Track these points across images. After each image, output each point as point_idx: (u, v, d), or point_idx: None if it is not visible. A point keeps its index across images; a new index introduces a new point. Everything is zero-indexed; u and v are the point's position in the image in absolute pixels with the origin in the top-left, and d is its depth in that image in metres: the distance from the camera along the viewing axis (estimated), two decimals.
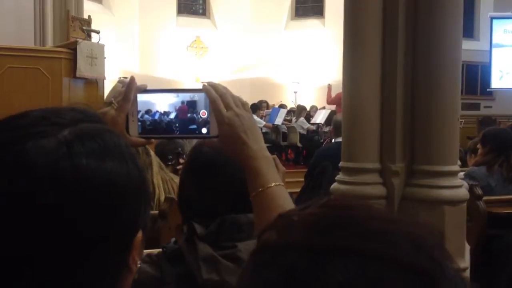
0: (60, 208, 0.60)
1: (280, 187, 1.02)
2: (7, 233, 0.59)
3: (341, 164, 2.52)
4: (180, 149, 3.80)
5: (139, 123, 1.05)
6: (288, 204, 0.99)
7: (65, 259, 0.61)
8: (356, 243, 0.45)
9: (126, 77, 1.25)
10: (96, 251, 0.63)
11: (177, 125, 1.06)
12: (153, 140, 1.11)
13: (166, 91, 1.08)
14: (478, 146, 4.03)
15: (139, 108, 1.05)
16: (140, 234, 0.70)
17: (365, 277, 0.43)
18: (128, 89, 1.04)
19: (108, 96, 1.10)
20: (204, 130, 1.06)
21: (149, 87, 1.08)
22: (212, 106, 1.03)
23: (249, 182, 1.03)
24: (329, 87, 12.80)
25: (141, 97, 1.06)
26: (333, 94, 12.12)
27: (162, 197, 2.86)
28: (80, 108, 0.72)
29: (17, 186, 0.59)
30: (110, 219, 0.64)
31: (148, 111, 1.06)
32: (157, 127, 1.06)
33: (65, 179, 0.60)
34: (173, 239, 1.51)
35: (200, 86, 1.06)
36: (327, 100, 12.96)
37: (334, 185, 2.53)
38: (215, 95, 1.03)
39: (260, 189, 1.00)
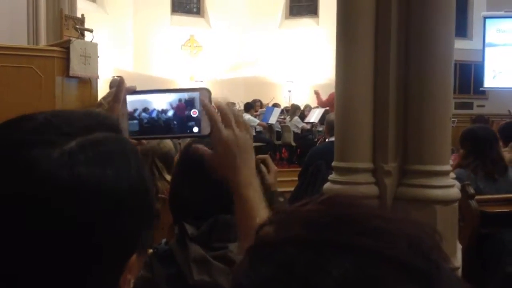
0: (54, 218, 0.58)
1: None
2: None
3: (333, 163, 2.52)
4: None
5: (136, 121, 1.05)
6: None
7: (52, 273, 0.59)
8: (354, 240, 0.45)
9: (120, 76, 1.25)
10: (86, 265, 0.60)
11: (175, 122, 1.06)
12: (144, 141, 1.11)
13: (156, 92, 1.08)
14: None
15: (136, 106, 1.05)
16: (134, 257, 0.66)
17: (361, 274, 0.43)
18: (118, 89, 1.03)
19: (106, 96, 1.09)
20: (195, 129, 1.05)
21: (143, 86, 1.08)
22: (210, 121, 1.02)
23: (237, 208, 1.04)
24: (317, 92, 12.46)
25: (138, 96, 1.06)
26: (323, 97, 11.89)
27: None
28: (95, 114, 0.69)
29: (15, 189, 0.58)
30: (105, 230, 0.61)
31: (145, 109, 1.05)
32: (155, 125, 1.06)
33: (62, 188, 0.58)
34: (163, 240, 1.51)
35: (193, 85, 1.05)
36: (318, 104, 12.79)
37: (327, 185, 2.53)
38: (213, 110, 1.02)
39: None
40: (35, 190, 0.58)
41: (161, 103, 1.05)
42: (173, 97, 1.06)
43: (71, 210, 0.59)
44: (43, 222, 0.58)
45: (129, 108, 1.05)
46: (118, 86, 1.04)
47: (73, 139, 0.62)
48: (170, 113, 1.05)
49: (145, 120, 1.05)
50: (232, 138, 1.01)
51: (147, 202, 0.68)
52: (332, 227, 0.47)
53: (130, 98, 1.05)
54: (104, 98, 1.24)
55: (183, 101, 1.05)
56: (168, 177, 3.21)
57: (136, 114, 1.05)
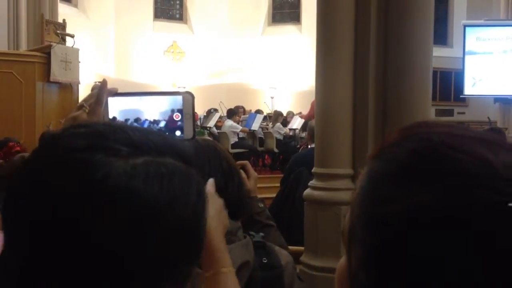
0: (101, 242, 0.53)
1: (232, 273, 1.06)
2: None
3: (314, 170, 2.53)
4: None
5: None
6: None
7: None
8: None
9: (103, 79, 1.24)
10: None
11: (166, 133, 1.04)
12: None
13: (138, 94, 1.08)
14: None
15: (128, 116, 1.04)
16: None
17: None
18: (101, 92, 1.03)
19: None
20: (177, 133, 1.05)
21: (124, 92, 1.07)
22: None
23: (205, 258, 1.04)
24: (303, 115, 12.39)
25: (129, 105, 1.05)
26: (306, 109, 11.80)
27: None
28: (172, 140, 0.65)
29: (67, 190, 0.54)
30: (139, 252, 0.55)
31: (137, 120, 1.04)
32: None
33: (115, 196, 0.54)
34: None
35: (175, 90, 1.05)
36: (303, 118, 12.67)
37: (307, 191, 2.54)
38: None
39: (215, 271, 1.03)
40: (88, 193, 0.54)
41: (153, 113, 1.05)
42: (165, 107, 1.04)
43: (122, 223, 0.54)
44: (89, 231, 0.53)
45: (121, 118, 1.04)
46: (100, 89, 1.03)
47: (142, 156, 0.58)
48: (162, 124, 1.04)
49: None
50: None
51: (196, 241, 0.62)
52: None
53: (128, 105, 1.05)
54: (85, 100, 1.22)
55: (175, 111, 1.04)
56: None
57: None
